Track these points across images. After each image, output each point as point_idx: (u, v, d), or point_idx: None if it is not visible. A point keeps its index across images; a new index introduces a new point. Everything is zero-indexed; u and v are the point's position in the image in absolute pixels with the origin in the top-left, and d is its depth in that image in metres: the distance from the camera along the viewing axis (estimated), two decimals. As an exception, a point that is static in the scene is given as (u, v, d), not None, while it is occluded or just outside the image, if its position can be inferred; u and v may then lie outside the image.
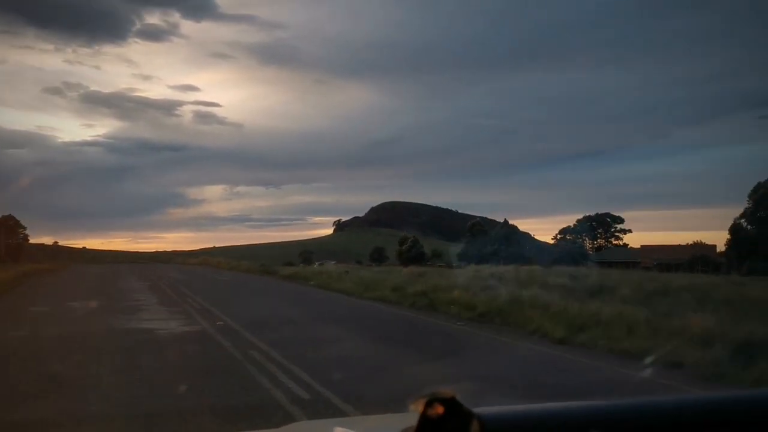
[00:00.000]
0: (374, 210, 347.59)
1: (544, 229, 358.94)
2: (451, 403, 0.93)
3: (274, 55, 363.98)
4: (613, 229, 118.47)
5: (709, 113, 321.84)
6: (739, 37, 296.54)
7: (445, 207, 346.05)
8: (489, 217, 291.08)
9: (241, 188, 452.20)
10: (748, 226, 77.94)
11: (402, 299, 24.14)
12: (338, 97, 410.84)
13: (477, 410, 0.94)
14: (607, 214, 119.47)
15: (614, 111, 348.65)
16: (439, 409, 0.93)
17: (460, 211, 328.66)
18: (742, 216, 79.27)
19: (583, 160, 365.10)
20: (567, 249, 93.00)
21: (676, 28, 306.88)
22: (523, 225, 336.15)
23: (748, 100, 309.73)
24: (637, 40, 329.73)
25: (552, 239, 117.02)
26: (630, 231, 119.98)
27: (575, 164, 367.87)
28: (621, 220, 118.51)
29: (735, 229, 78.87)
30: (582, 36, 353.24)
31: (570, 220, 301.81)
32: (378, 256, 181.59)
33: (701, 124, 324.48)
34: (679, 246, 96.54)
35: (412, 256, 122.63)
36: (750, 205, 78.93)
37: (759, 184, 79.44)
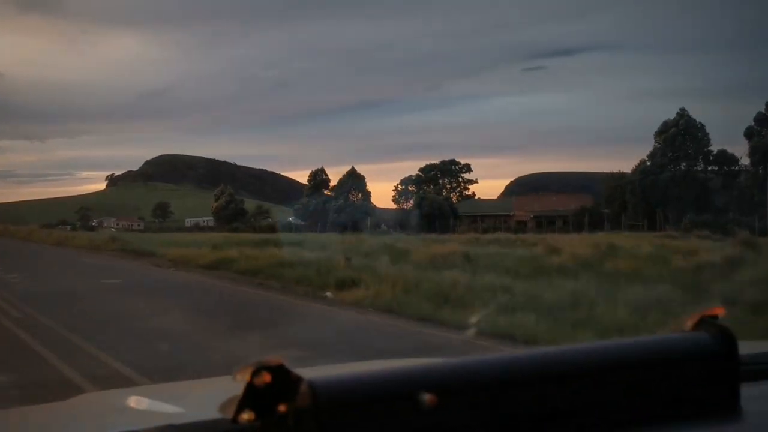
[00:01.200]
0: (149, 164, 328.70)
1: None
2: (278, 371, 0.90)
3: (35, 3, 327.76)
4: (459, 179, 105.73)
5: (477, 66, 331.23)
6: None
7: (222, 159, 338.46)
8: (269, 170, 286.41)
9: (2, 143, 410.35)
10: (657, 171, 67.08)
11: None
12: (106, 47, 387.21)
13: (307, 376, 0.91)
14: (453, 161, 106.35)
15: (390, 62, 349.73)
16: (267, 377, 0.89)
17: (239, 164, 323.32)
18: (650, 158, 68.11)
19: (361, 110, 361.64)
20: (433, 206, 77.25)
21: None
22: (303, 177, 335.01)
23: (512, 53, 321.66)
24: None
25: (393, 190, 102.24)
26: (476, 181, 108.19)
27: (354, 115, 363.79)
28: (468, 168, 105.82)
29: (643, 173, 67.70)
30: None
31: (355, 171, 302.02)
32: (161, 212, 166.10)
33: (471, 76, 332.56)
34: (553, 196, 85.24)
35: (230, 214, 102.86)
36: (659, 145, 67.98)
37: (666, 122, 68.72)
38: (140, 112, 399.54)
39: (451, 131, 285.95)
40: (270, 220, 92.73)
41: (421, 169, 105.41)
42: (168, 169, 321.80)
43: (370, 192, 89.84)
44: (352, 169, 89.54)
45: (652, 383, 1.06)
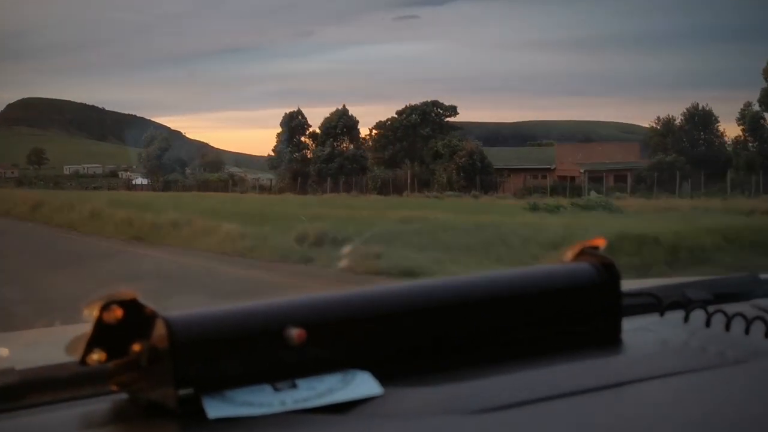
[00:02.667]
0: (12, 107, 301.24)
1: (195, 127, 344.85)
2: (131, 306, 0.81)
3: None
4: (446, 121, 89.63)
5: (348, 12, 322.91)
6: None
7: (91, 104, 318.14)
8: (138, 115, 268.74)
9: None
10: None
11: None
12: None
13: (163, 312, 0.83)
14: (435, 102, 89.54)
15: (260, 8, 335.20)
16: (118, 313, 0.80)
17: (107, 109, 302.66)
18: (762, 102, 53.36)
19: (230, 55, 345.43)
20: (474, 157, 59.83)
21: None
22: (174, 123, 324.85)
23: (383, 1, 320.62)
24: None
25: (367, 136, 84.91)
26: (460, 128, 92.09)
27: (223, 60, 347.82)
28: (453, 110, 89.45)
29: (753, 122, 53.11)
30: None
31: (226, 117, 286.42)
32: (37, 159, 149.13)
33: (342, 23, 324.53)
34: (598, 145, 69.61)
35: (166, 163, 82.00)
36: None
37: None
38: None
39: (324, 78, 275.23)
40: (237, 170, 72.88)
41: (398, 113, 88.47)
42: (34, 114, 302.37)
43: (365, 139, 71.67)
44: (344, 108, 70.89)
45: (533, 314, 1.02)
